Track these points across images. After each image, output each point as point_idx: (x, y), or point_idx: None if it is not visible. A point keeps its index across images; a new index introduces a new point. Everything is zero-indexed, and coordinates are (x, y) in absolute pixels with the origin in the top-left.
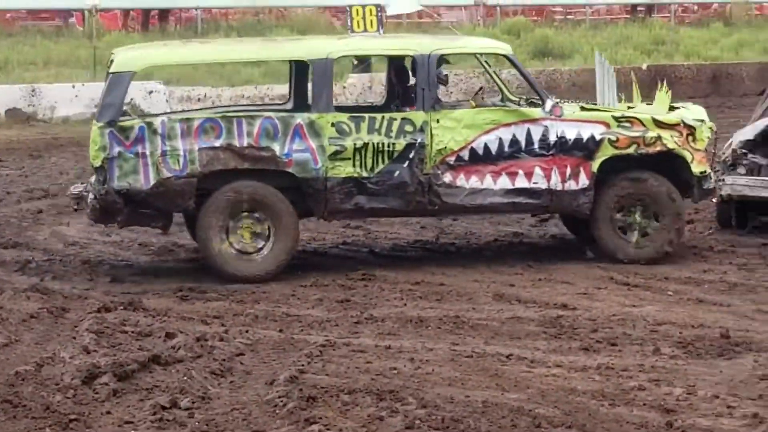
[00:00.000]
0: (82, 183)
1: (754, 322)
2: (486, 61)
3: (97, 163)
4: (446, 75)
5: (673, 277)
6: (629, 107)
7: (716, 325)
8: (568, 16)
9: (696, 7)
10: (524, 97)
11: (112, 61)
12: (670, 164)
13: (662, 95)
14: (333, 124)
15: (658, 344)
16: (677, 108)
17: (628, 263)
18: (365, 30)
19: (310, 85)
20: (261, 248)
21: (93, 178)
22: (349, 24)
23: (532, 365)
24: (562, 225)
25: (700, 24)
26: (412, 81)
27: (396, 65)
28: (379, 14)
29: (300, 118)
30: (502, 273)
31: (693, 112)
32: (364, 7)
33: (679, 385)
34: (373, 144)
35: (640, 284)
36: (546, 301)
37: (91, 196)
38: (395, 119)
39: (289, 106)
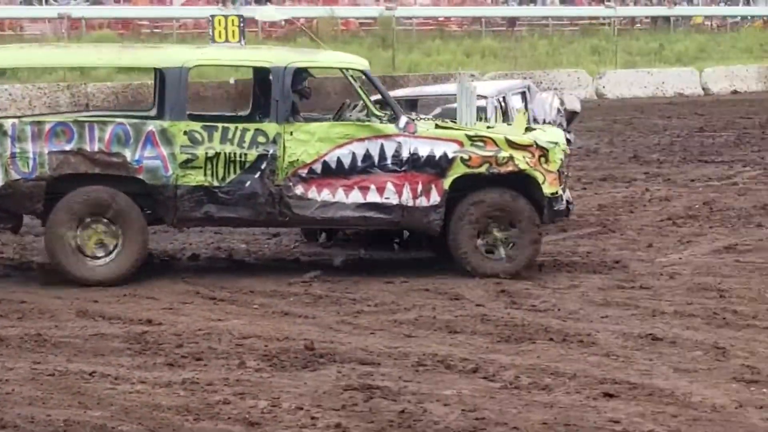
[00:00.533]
0: None
1: (339, 334)
2: (352, 76)
3: None
4: (309, 89)
5: (259, 291)
6: (488, 127)
7: (301, 337)
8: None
9: (284, 22)
10: (387, 114)
11: None
12: (523, 185)
13: (520, 116)
14: (185, 132)
15: (244, 357)
16: (533, 129)
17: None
18: (227, 40)
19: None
20: (108, 254)
21: None
22: (210, 34)
23: (116, 382)
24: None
25: (286, 39)
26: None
27: (259, 76)
28: (242, 25)
29: (152, 125)
30: (86, 289)
31: (548, 134)
32: (226, 17)
33: (263, 397)
34: (225, 153)
35: (226, 298)
36: (131, 317)
37: None
38: (249, 130)
39: (153, 113)
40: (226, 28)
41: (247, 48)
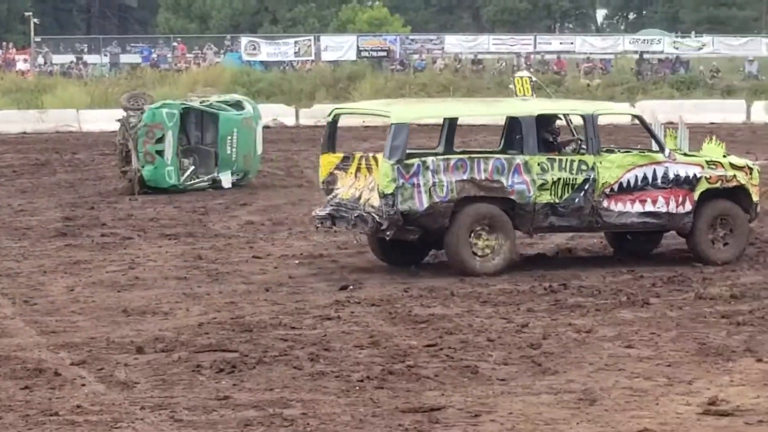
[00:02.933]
0: None
1: None
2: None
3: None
4: (559, 128)
5: None
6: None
7: None
8: None
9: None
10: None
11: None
12: (737, 195)
13: (713, 143)
14: (539, 164)
15: None
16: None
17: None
18: (524, 95)
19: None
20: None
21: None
22: (514, 90)
23: None
24: None
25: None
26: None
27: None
28: (532, 84)
29: (519, 159)
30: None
31: (743, 157)
32: (522, 78)
33: None
34: (562, 179)
35: None
36: None
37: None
38: (575, 161)
39: (498, 148)
40: (523, 86)
41: (556, 100)
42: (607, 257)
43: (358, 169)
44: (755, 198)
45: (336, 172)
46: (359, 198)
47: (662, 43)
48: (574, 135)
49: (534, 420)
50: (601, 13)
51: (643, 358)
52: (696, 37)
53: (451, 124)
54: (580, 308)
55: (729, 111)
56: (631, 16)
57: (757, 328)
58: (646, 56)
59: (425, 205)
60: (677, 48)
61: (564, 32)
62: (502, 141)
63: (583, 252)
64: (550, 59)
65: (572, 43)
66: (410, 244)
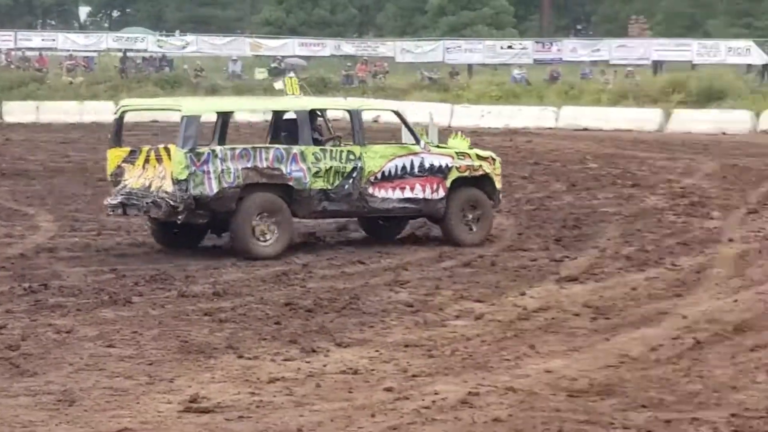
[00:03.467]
0: None
1: None
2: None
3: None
4: (320, 125)
5: None
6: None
7: None
8: None
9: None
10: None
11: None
12: (483, 182)
13: (460, 137)
14: (313, 153)
15: None
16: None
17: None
18: (294, 93)
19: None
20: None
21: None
22: (284, 89)
23: None
24: None
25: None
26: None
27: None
28: (300, 84)
29: (296, 149)
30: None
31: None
32: (290, 78)
33: None
34: (333, 167)
35: None
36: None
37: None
38: (344, 151)
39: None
40: (292, 86)
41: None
42: (92, 256)
43: (147, 161)
44: (498, 186)
45: (123, 165)
46: (149, 186)
47: (146, 42)
48: (332, 133)
49: (11, 423)
50: (84, 11)
51: (125, 357)
52: (180, 35)
53: (225, 119)
54: (61, 308)
55: None
56: (115, 13)
57: (239, 325)
58: (130, 54)
59: (215, 190)
60: (161, 47)
61: (46, 29)
62: (269, 136)
63: (65, 252)
64: (31, 56)
65: (54, 40)
66: (188, 229)
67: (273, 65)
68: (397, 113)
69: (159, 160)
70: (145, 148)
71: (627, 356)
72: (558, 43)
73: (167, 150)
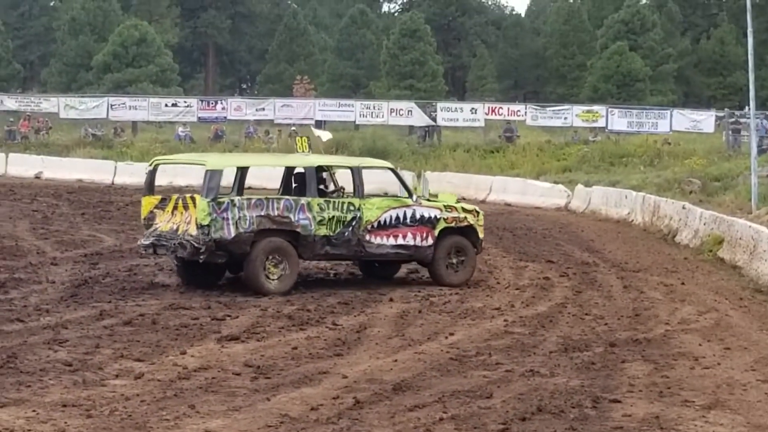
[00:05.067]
0: None
1: None
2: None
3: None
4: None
5: None
6: (432, 197)
7: None
8: None
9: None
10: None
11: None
12: (467, 233)
13: (449, 193)
14: (318, 204)
15: None
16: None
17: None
18: (304, 150)
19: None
20: (280, 276)
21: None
22: (296, 147)
23: None
24: None
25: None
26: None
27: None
28: (309, 143)
29: (303, 200)
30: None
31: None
32: (301, 138)
33: None
34: (335, 216)
35: None
36: None
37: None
38: (345, 203)
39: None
40: (302, 144)
41: (325, 156)
42: None
43: (175, 208)
44: (481, 235)
45: (155, 210)
46: (177, 230)
47: None
48: (336, 186)
49: None
50: None
51: None
52: None
53: (243, 173)
54: None
55: None
56: None
57: None
58: None
59: (233, 234)
60: None
61: None
62: (281, 188)
63: None
64: None
65: None
66: (207, 269)
67: None
68: (392, 170)
69: (186, 207)
70: (174, 196)
71: (287, 416)
72: (223, 101)
73: (193, 199)
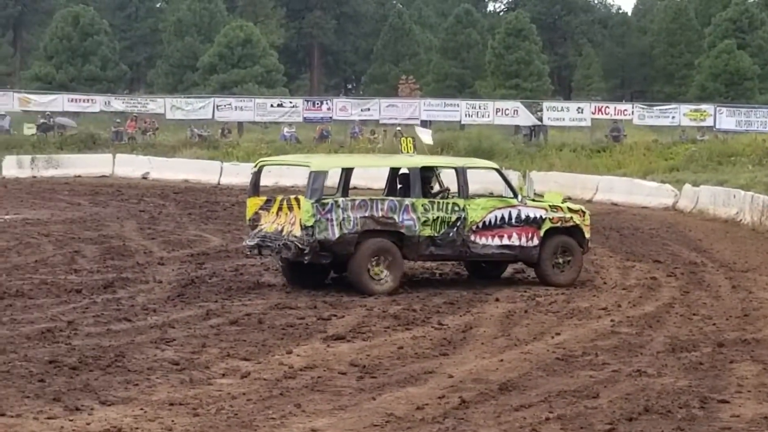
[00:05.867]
0: None
1: None
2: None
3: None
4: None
5: None
6: (538, 197)
7: None
8: None
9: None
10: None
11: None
12: (573, 233)
13: (554, 194)
14: (422, 205)
15: None
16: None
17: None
18: (409, 152)
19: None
20: (386, 277)
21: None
22: (400, 148)
23: None
24: None
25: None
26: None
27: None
28: (414, 143)
29: (407, 201)
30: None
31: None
32: (406, 138)
33: None
34: (440, 217)
35: None
36: None
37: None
38: (449, 203)
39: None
40: (407, 145)
41: (429, 156)
42: None
43: (280, 209)
44: (587, 234)
45: (260, 211)
46: (282, 231)
47: None
48: (442, 186)
49: None
50: None
51: None
52: None
53: (347, 174)
54: None
55: None
56: None
57: (1, 383)
58: None
59: (337, 235)
60: None
61: None
62: (386, 189)
63: None
64: None
65: None
66: (312, 269)
67: (42, 121)
68: (497, 170)
69: (290, 208)
70: (279, 197)
71: (392, 415)
72: (328, 101)
73: (297, 200)
